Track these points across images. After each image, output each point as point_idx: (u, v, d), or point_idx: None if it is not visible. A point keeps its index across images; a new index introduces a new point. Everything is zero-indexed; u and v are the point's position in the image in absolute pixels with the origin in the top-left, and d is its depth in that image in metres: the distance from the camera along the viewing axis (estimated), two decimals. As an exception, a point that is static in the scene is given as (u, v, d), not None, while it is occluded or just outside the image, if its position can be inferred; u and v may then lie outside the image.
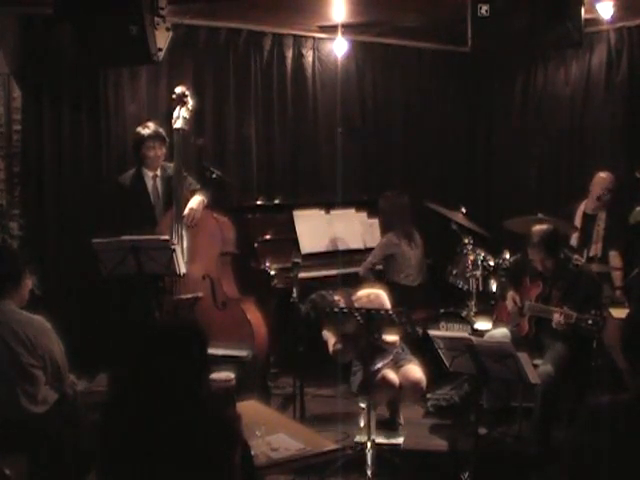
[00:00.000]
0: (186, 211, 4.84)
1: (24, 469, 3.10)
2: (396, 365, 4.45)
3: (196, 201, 4.89)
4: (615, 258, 5.28)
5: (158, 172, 5.05)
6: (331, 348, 4.46)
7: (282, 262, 5.28)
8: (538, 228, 4.42)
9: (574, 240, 5.40)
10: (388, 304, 4.42)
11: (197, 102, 5.27)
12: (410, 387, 4.42)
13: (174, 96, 4.99)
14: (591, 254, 5.26)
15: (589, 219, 5.43)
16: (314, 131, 6.27)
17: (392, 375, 4.34)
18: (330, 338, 4.47)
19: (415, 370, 4.45)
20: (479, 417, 4.03)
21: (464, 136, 6.90)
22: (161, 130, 4.98)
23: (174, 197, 4.88)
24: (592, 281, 4.44)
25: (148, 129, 4.97)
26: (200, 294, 4.74)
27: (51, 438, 3.28)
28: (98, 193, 5.43)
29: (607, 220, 5.34)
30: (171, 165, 5.04)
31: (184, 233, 4.84)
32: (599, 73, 6.02)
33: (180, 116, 4.90)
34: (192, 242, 4.86)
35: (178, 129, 4.90)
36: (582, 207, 5.49)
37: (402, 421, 4.62)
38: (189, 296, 4.72)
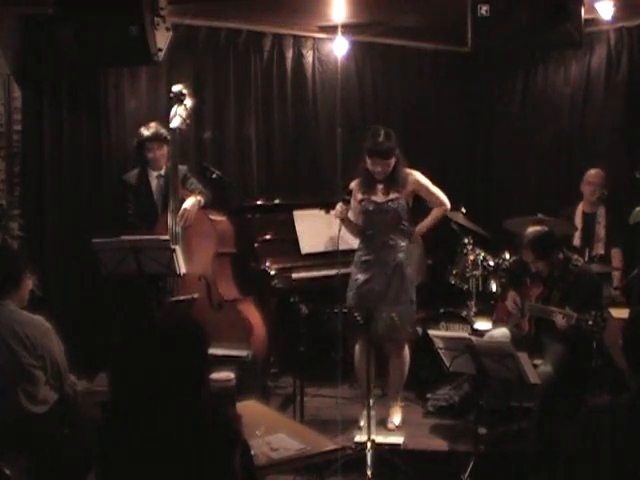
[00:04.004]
0: (180, 211, 4.85)
1: (24, 469, 3.10)
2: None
3: (190, 202, 4.89)
4: (616, 256, 5.29)
5: (162, 172, 5.05)
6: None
7: (282, 262, 5.28)
8: (529, 230, 4.41)
9: (577, 240, 5.40)
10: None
11: (197, 102, 5.28)
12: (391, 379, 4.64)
13: (171, 94, 4.98)
14: (594, 252, 5.27)
15: (589, 218, 5.45)
16: (314, 131, 6.26)
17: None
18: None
19: (395, 372, 4.62)
20: (479, 417, 4.04)
21: (464, 136, 6.89)
22: (163, 131, 4.98)
23: (170, 197, 4.89)
24: (592, 281, 4.44)
25: (149, 130, 4.99)
26: (196, 295, 4.73)
27: (51, 438, 3.28)
28: (100, 191, 5.44)
29: (607, 217, 5.37)
30: (184, 167, 5.06)
31: (180, 233, 4.85)
32: (599, 73, 6.01)
33: (177, 114, 4.88)
34: (187, 243, 4.85)
35: (174, 128, 4.89)
36: (581, 207, 5.52)
37: (398, 423, 4.62)
38: (185, 297, 4.72)
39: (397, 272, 4.48)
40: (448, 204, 4.64)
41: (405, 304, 4.49)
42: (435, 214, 4.64)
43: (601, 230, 5.36)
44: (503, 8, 4.30)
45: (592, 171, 5.47)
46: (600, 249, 5.32)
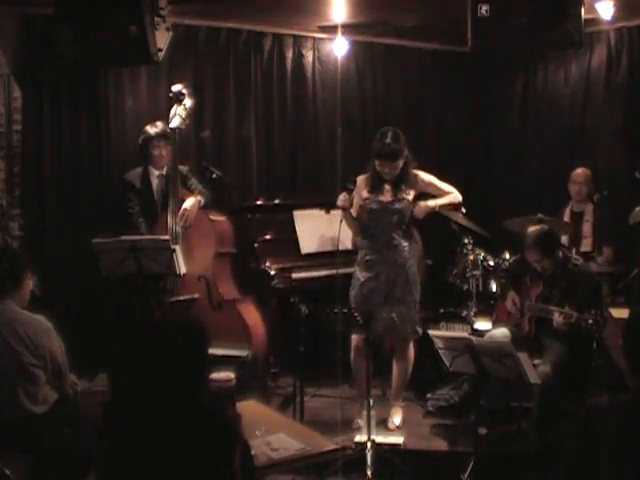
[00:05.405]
0: (180, 212, 4.85)
1: (24, 469, 3.10)
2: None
3: (190, 202, 4.90)
4: (606, 254, 5.28)
5: (164, 171, 5.06)
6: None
7: (282, 262, 5.28)
8: (532, 229, 4.42)
9: (564, 239, 5.40)
10: None
11: (197, 102, 5.28)
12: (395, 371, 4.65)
13: (171, 94, 4.99)
14: (582, 249, 5.28)
15: (577, 216, 5.47)
16: (314, 131, 6.26)
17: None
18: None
19: (399, 372, 4.61)
20: (479, 417, 4.03)
21: (464, 136, 6.89)
22: (169, 130, 4.99)
23: (170, 196, 4.89)
24: (592, 281, 4.44)
25: (156, 128, 5.02)
26: (196, 295, 4.74)
27: (51, 438, 3.28)
28: (100, 191, 5.44)
29: (594, 214, 5.39)
30: (185, 167, 5.07)
31: (180, 233, 4.85)
32: (599, 73, 6.01)
33: (176, 114, 4.89)
34: (187, 243, 4.86)
35: (174, 128, 4.90)
36: (570, 206, 5.54)
37: (398, 423, 4.62)
38: (185, 297, 4.72)
39: (401, 272, 4.48)
40: (460, 196, 4.67)
41: (408, 304, 4.49)
42: (451, 198, 4.64)
43: (587, 227, 5.37)
44: (503, 8, 4.30)
45: (578, 170, 5.50)
46: (587, 246, 5.32)
